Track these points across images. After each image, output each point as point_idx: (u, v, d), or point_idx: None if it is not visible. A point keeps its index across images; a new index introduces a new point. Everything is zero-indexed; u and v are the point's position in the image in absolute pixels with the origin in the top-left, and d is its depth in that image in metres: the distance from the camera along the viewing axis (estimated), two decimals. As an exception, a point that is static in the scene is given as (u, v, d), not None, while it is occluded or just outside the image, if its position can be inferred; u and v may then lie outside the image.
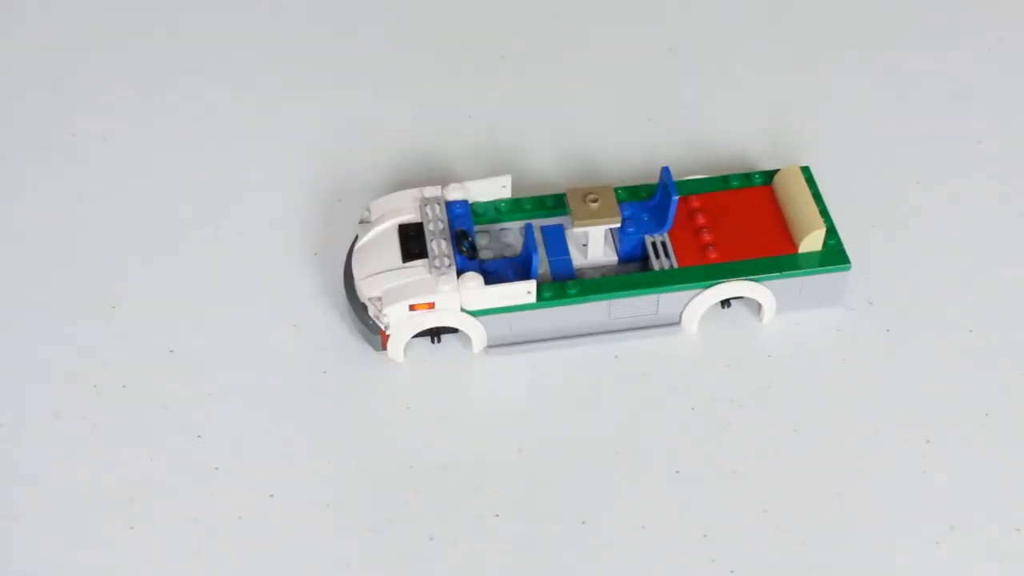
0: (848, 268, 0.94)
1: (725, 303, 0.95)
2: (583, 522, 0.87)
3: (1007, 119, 1.09)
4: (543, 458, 0.90)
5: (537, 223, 0.96)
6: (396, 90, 1.10)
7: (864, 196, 1.03)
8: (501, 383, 0.93)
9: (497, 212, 0.96)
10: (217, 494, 0.88)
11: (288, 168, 1.05)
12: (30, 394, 0.93)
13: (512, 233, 0.96)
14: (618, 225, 0.94)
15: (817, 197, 0.96)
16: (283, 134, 1.07)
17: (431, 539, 0.86)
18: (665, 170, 0.94)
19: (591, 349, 0.94)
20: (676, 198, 0.93)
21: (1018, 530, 0.86)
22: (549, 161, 1.05)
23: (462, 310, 0.91)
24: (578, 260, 0.95)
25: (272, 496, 0.88)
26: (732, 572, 0.85)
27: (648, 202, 0.96)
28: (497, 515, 0.87)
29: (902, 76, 1.12)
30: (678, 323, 0.95)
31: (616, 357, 0.94)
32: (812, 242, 0.94)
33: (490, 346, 0.94)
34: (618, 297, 0.92)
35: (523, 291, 0.91)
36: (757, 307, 0.95)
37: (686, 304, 0.94)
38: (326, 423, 0.91)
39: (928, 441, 0.90)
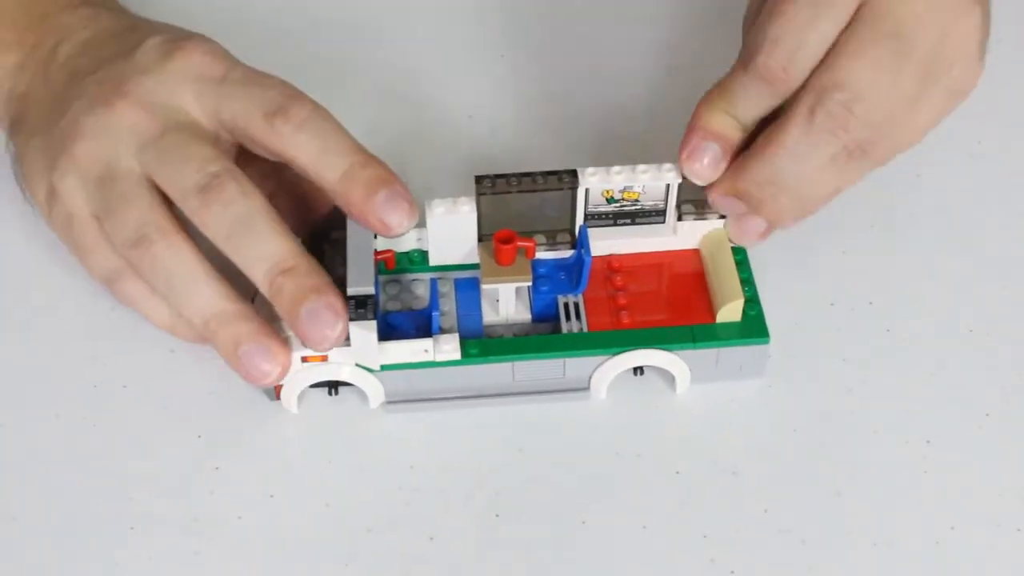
0: (767, 342, 0.90)
1: (638, 370, 0.92)
2: (583, 522, 0.87)
3: (1007, 119, 1.09)
4: (543, 458, 0.90)
5: (453, 276, 0.93)
6: (392, 91, 1.11)
7: (864, 196, 1.03)
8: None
9: (410, 263, 0.94)
10: (217, 494, 0.88)
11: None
12: (30, 394, 0.93)
13: (423, 285, 0.93)
14: (528, 284, 0.91)
15: (743, 264, 0.92)
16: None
17: (431, 539, 0.86)
18: (583, 229, 0.92)
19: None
20: (589, 259, 0.90)
21: (1018, 530, 0.86)
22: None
23: (357, 365, 0.89)
24: (490, 317, 0.92)
25: (272, 496, 0.88)
26: (732, 572, 0.85)
27: (565, 260, 0.93)
28: (497, 515, 0.87)
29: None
30: (587, 388, 0.91)
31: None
32: (730, 313, 0.90)
33: (388, 402, 0.91)
34: (521, 360, 0.89)
35: (420, 349, 0.88)
36: (672, 376, 0.92)
37: (594, 369, 0.90)
38: (326, 423, 0.91)
39: (928, 441, 0.90)
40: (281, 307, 0.85)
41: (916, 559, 0.85)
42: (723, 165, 0.88)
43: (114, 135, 0.88)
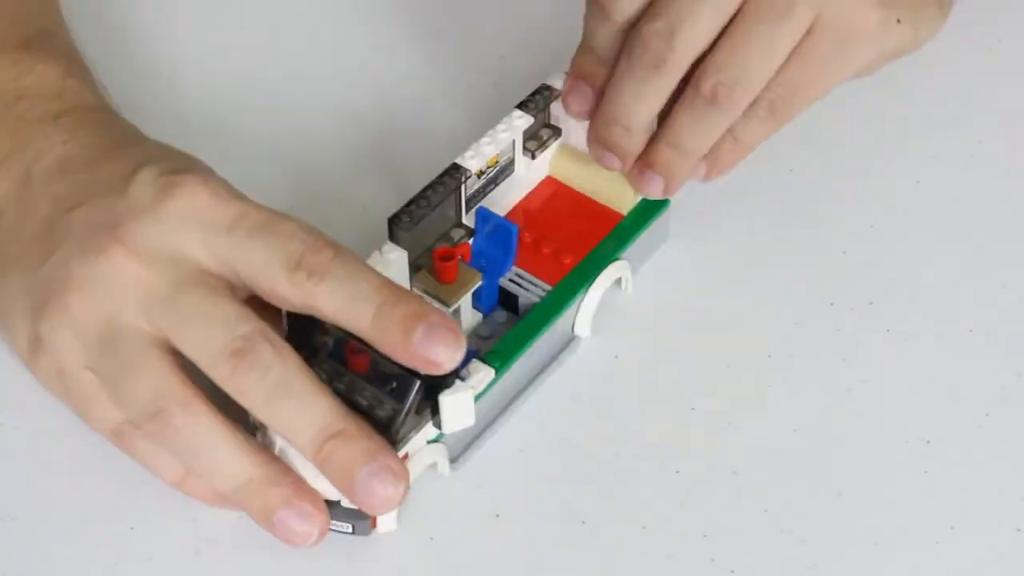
0: (668, 204, 0.95)
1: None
2: (583, 522, 0.87)
3: (1007, 119, 1.09)
4: (543, 458, 0.89)
5: None
6: (396, 88, 1.11)
7: (864, 196, 1.03)
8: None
9: None
10: (217, 494, 0.88)
11: (290, 168, 1.05)
12: (30, 394, 0.92)
13: None
14: (482, 282, 0.89)
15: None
16: (283, 133, 1.07)
17: (431, 539, 0.86)
18: (481, 209, 0.91)
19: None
20: (516, 228, 0.90)
21: (1018, 530, 0.86)
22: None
23: (428, 442, 0.85)
24: None
25: (272, 496, 0.88)
26: (732, 572, 0.85)
27: (473, 250, 0.92)
28: (497, 515, 0.87)
29: (902, 76, 1.12)
30: (574, 337, 0.93)
31: (616, 357, 0.94)
32: (633, 198, 0.95)
33: (453, 460, 0.88)
34: (533, 342, 0.88)
35: (468, 388, 0.84)
36: (616, 285, 0.95)
37: (575, 315, 0.92)
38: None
39: (928, 441, 0.90)
40: (333, 474, 0.80)
41: (916, 559, 0.85)
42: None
43: (114, 288, 0.82)
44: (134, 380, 0.81)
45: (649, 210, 0.95)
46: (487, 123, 0.93)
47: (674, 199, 0.95)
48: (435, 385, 0.81)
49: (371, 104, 1.09)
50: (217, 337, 0.80)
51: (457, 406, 0.83)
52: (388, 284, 0.80)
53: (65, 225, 0.85)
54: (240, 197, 0.84)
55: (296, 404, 0.79)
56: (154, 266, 0.82)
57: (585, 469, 0.89)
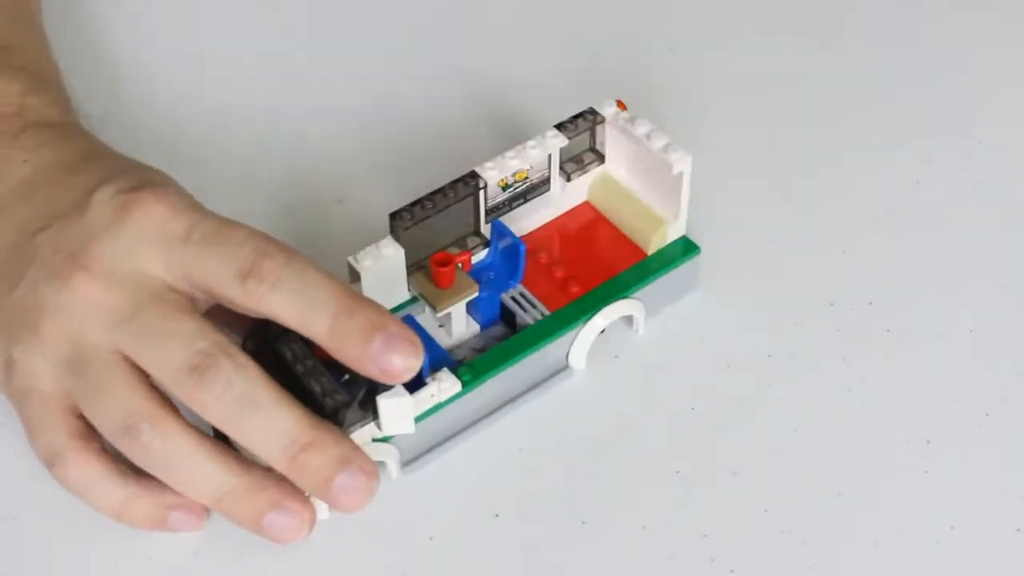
0: (699, 252, 0.94)
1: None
2: (583, 522, 0.87)
3: (1007, 119, 1.09)
4: (542, 458, 0.89)
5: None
6: (400, 88, 1.11)
7: (864, 196, 1.03)
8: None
9: None
10: (217, 494, 0.88)
11: (288, 168, 1.05)
12: (30, 394, 0.92)
13: None
14: (477, 293, 0.89)
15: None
16: (283, 134, 1.07)
17: (431, 539, 0.86)
18: (496, 223, 0.91)
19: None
20: (524, 247, 0.90)
21: (1018, 530, 0.86)
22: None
23: (374, 440, 0.86)
24: (445, 342, 0.90)
25: (272, 496, 0.88)
26: (732, 572, 0.85)
27: (483, 261, 0.92)
28: (497, 515, 0.87)
29: (902, 76, 1.12)
30: (566, 366, 0.92)
31: (616, 357, 0.94)
32: (660, 239, 0.93)
33: (407, 463, 0.88)
34: (512, 364, 0.88)
35: (427, 396, 0.85)
36: (626, 322, 0.94)
37: (570, 345, 0.91)
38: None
39: (928, 441, 0.90)
40: (308, 481, 0.80)
41: (916, 559, 0.85)
42: None
43: (79, 313, 0.82)
44: (104, 399, 0.82)
45: (674, 255, 0.93)
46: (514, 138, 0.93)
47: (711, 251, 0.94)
48: (375, 386, 0.82)
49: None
50: (176, 353, 0.80)
51: (394, 410, 0.83)
52: (345, 291, 0.80)
53: (30, 250, 0.85)
54: (195, 208, 0.84)
55: (263, 418, 0.79)
56: (115, 286, 0.82)
57: (585, 469, 0.89)
